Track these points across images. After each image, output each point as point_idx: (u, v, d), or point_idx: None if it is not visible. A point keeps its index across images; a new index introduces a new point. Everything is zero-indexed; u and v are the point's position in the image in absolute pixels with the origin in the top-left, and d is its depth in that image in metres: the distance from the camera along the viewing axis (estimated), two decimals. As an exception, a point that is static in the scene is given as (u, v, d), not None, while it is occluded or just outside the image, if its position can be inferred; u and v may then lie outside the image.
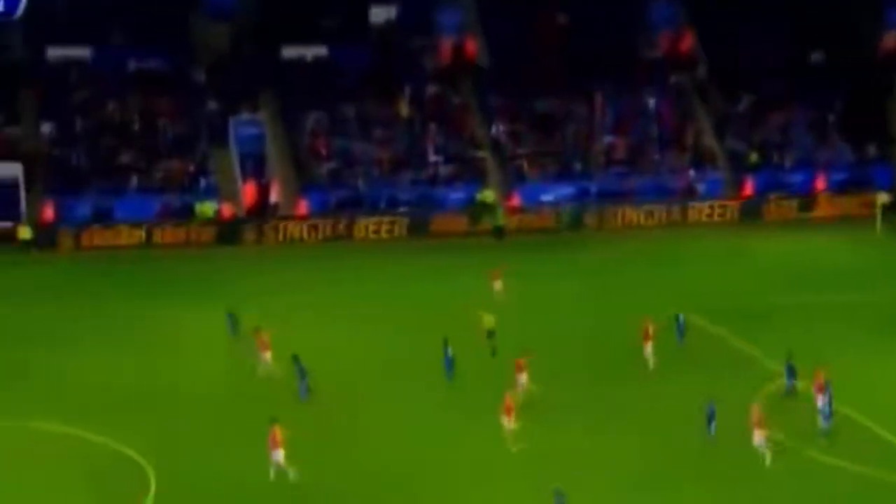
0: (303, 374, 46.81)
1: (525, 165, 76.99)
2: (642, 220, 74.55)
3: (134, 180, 73.63)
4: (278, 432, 40.16)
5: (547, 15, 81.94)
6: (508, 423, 41.97)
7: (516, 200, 74.95)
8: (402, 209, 73.51)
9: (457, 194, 75.06)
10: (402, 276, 63.93)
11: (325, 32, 79.95)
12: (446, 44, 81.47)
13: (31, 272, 65.99)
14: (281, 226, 72.06)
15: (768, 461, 40.40)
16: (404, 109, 78.19)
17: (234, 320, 53.35)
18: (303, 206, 73.44)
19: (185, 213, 72.32)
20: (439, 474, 40.77)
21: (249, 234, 71.79)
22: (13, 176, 72.33)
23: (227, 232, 71.66)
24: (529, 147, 78.08)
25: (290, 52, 79.49)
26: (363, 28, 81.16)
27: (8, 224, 70.94)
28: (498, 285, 58.22)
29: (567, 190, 75.85)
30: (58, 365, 50.80)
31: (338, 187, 74.52)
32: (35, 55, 77.78)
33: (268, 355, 48.87)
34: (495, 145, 78.14)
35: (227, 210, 72.86)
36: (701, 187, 77.43)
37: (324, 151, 76.06)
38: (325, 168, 75.52)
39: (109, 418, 44.85)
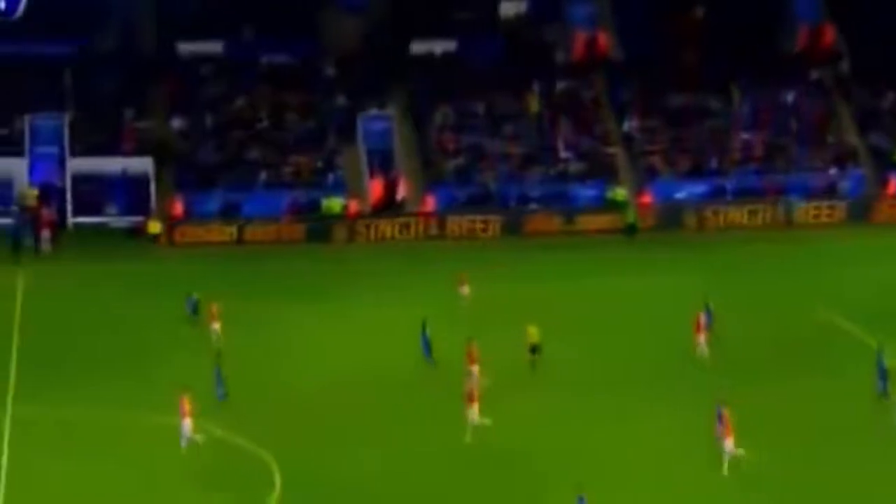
0: (219, 375, 45.93)
1: (658, 162, 75.34)
2: (745, 220, 72.30)
3: (262, 176, 73.58)
4: (187, 402, 41.00)
5: (682, 8, 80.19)
6: (472, 412, 41.93)
7: (648, 197, 73.28)
8: (532, 205, 72.45)
9: (587, 191, 73.69)
10: (492, 277, 61.20)
11: (454, 27, 79.26)
12: (578, 38, 79.90)
13: (154, 267, 66.01)
14: (373, 224, 71.14)
15: (726, 470, 39.74)
16: (534, 105, 77.03)
17: (194, 303, 53.91)
18: (430, 203, 72.61)
19: (313, 209, 71.93)
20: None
21: (340, 233, 70.94)
22: (143, 171, 72.84)
23: (318, 230, 70.86)
24: (662, 143, 76.34)
25: (418, 46, 78.75)
26: (493, 22, 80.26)
27: (138, 218, 71.38)
28: (465, 290, 56.47)
29: (701, 187, 74.04)
30: (180, 359, 50.68)
31: (466, 184, 73.60)
32: (167, 50, 78.13)
33: (216, 326, 50.79)
34: (627, 141, 76.57)
35: (354, 206, 72.36)
36: (843, 185, 74.95)
37: (452, 147, 75.23)
38: (453, 164, 74.69)
39: (230, 414, 44.72)
